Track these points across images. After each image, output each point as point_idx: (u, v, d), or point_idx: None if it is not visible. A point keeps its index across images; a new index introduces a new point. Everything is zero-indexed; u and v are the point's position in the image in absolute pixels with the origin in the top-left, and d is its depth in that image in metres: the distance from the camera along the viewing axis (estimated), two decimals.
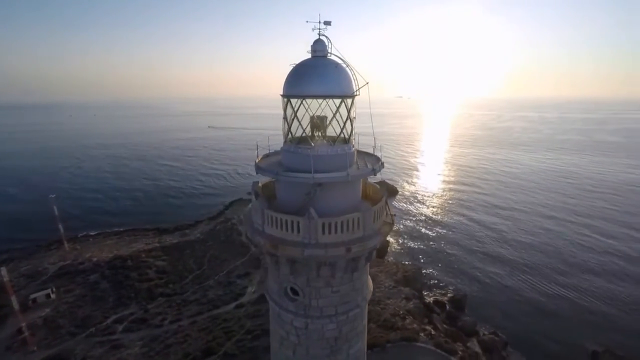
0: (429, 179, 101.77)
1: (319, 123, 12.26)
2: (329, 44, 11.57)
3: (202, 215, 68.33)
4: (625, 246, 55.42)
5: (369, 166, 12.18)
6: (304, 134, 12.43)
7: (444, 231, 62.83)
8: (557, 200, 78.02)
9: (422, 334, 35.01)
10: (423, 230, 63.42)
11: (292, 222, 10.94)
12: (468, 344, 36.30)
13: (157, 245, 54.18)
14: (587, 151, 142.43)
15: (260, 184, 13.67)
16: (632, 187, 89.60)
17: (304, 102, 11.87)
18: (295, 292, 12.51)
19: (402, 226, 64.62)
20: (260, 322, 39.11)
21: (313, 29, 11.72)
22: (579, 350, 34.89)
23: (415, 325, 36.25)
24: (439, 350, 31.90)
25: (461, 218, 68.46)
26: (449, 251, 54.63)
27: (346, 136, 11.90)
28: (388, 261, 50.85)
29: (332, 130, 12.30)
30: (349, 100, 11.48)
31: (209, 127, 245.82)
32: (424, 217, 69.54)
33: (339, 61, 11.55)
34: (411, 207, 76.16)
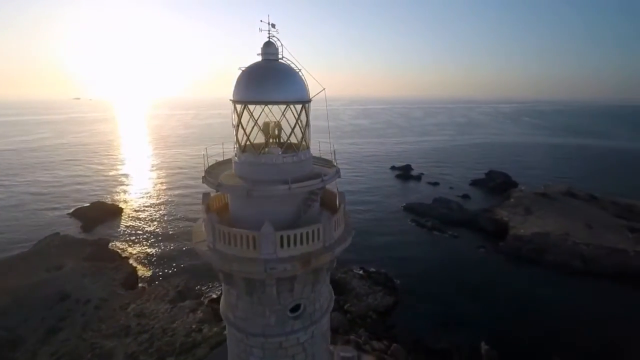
0: (142, 188, 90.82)
1: (275, 130, 11.77)
2: (281, 47, 11.28)
3: None
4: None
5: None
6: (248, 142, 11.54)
7: (173, 234, 61.14)
8: None
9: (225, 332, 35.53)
10: (154, 245, 57.94)
11: (314, 232, 10.61)
12: None
13: None
14: None
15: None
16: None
17: (264, 108, 11.07)
18: (295, 309, 11.82)
19: (137, 250, 55.67)
20: None
21: (261, 31, 10.91)
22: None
23: (215, 329, 35.87)
24: None
25: (186, 222, 67.10)
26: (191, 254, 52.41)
27: (305, 142, 12.19)
28: (149, 288, 43.32)
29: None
30: (307, 105, 11.96)
31: None
32: (148, 233, 62.73)
33: (292, 65, 11.61)
34: (132, 224, 66.49)
